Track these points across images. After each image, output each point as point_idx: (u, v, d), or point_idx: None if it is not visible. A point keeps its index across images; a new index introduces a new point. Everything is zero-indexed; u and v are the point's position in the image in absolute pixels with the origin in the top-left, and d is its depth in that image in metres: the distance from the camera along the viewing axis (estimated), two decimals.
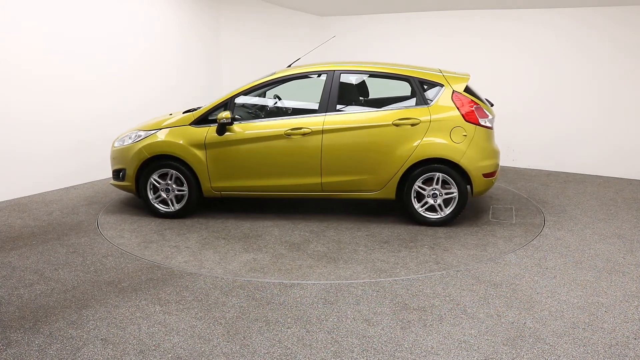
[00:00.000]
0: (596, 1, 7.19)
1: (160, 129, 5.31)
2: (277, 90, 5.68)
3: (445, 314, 3.31)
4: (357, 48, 9.31)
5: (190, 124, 5.22)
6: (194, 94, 8.09)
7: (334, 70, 5.17)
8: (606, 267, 4.11)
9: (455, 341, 2.99)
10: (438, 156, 4.87)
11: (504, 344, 2.95)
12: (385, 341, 2.99)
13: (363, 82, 5.54)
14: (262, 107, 5.69)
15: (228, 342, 2.97)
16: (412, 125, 4.90)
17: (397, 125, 4.91)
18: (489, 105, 5.32)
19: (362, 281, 3.80)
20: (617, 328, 3.14)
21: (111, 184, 5.58)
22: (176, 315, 3.28)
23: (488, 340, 3.00)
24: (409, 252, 4.38)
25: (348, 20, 9.53)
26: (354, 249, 4.48)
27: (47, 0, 5.96)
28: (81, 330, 3.08)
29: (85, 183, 6.71)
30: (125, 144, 5.41)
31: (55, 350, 2.87)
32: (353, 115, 5.05)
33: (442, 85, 5.00)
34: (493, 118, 5.14)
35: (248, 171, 5.14)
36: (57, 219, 5.23)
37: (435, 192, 4.97)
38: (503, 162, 8.13)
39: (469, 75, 5.22)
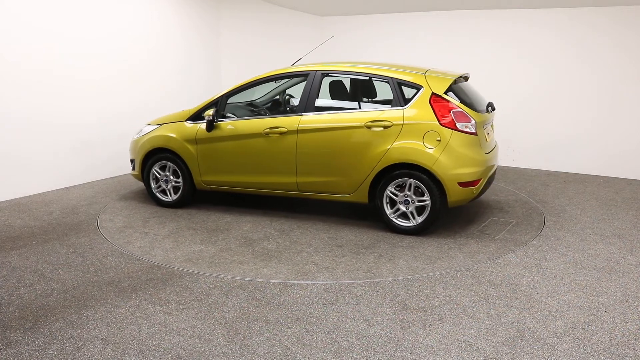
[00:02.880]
0: (596, 1, 7.19)
1: (163, 124, 5.68)
2: (265, 88, 5.80)
3: (445, 314, 3.31)
4: (357, 48, 9.30)
5: (186, 120, 5.53)
6: (195, 93, 8.07)
7: (316, 71, 5.14)
8: (606, 267, 4.11)
9: (455, 341, 2.99)
10: (408, 161, 4.63)
11: (504, 344, 2.95)
12: (385, 341, 2.99)
13: (345, 82, 5.43)
14: (254, 106, 5.88)
15: (228, 342, 2.97)
16: (385, 127, 4.71)
17: (368, 127, 4.76)
18: (487, 110, 5.07)
19: (362, 281, 3.80)
20: (617, 328, 3.14)
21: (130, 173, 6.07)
22: (176, 315, 3.28)
23: (488, 340, 3.00)
24: (351, 258, 4.26)
25: (348, 20, 9.52)
26: (302, 249, 4.46)
27: (47, 1, 5.96)
28: (81, 330, 3.08)
29: (85, 183, 6.71)
30: (138, 136, 5.85)
31: (55, 350, 2.87)
32: (327, 116, 5.01)
33: (421, 87, 4.73)
34: (482, 123, 4.80)
35: (232, 167, 5.35)
36: (57, 219, 5.23)
37: (408, 198, 4.72)
38: (503, 162, 8.13)
39: (455, 77, 4.92)
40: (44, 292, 3.60)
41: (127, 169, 7.28)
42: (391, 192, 4.78)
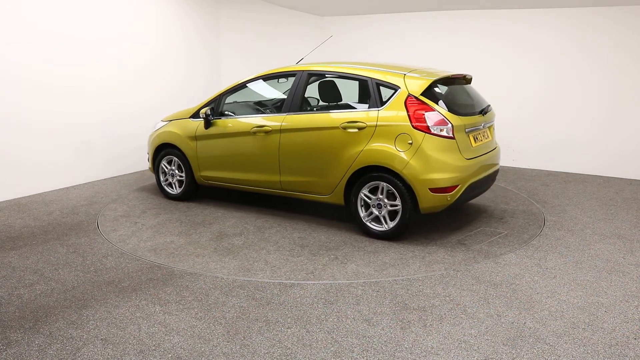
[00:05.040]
0: (596, 1, 7.19)
1: (172, 120, 5.96)
2: (257, 89, 5.86)
3: (445, 314, 3.31)
4: (357, 48, 9.31)
5: (189, 118, 5.77)
6: (195, 93, 8.07)
7: (302, 71, 5.16)
8: (606, 267, 4.11)
9: (455, 341, 2.99)
10: (379, 164, 4.50)
11: (504, 344, 2.95)
12: (385, 341, 2.99)
13: (330, 83, 5.37)
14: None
15: (228, 342, 2.97)
16: (359, 129, 4.61)
17: (344, 128, 4.68)
18: (480, 113, 4.87)
19: (362, 281, 3.80)
20: (617, 328, 3.14)
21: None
22: (176, 315, 3.28)
23: (488, 340, 3.00)
24: (304, 258, 4.24)
25: (348, 20, 9.53)
26: (264, 247, 4.50)
27: (47, 1, 5.96)
28: (81, 330, 3.08)
29: (85, 183, 6.71)
30: (153, 131, 6.17)
31: (55, 350, 2.87)
32: (308, 116, 5.01)
33: (398, 88, 4.57)
34: (462, 126, 4.54)
35: (224, 163, 5.52)
36: (57, 219, 5.23)
37: (380, 202, 4.60)
38: (503, 162, 8.13)
39: (436, 78, 4.68)
40: (44, 292, 3.60)
41: (128, 169, 7.32)
42: (365, 195, 4.69)
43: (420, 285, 3.73)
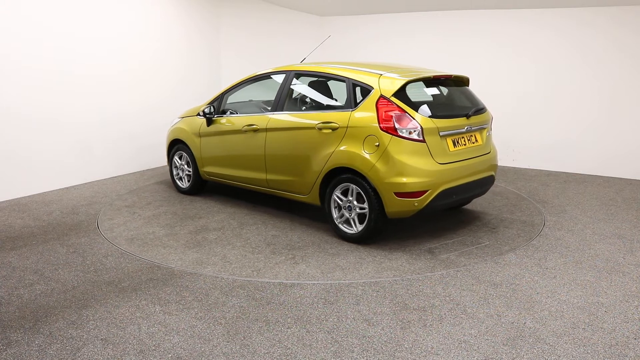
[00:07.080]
0: (596, 1, 7.19)
1: (184, 117, 6.20)
2: (255, 88, 5.92)
3: (445, 314, 3.31)
4: (356, 48, 9.31)
5: (196, 115, 5.97)
6: (196, 92, 8.07)
7: (289, 71, 5.22)
8: (606, 267, 4.11)
9: (455, 341, 2.99)
10: (348, 165, 4.45)
11: (504, 344, 2.95)
12: (385, 341, 2.99)
13: (320, 83, 5.26)
14: (246, 103, 6.15)
15: (228, 342, 2.97)
16: (333, 130, 4.57)
17: (319, 129, 4.67)
18: (466, 116, 4.64)
19: (362, 281, 3.80)
20: (617, 328, 3.15)
21: None
22: (176, 315, 3.28)
23: (488, 340, 3.00)
24: (263, 257, 4.25)
25: (348, 20, 9.53)
26: (231, 243, 4.57)
27: (48, 0, 5.96)
28: (81, 330, 3.08)
29: (85, 183, 6.71)
30: (170, 127, 6.42)
31: (55, 350, 2.87)
32: (290, 115, 5.04)
33: (372, 88, 4.46)
34: (435, 130, 4.34)
35: (221, 160, 5.70)
36: (57, 219, 5.23)
37: (350, 205, 4.55)
38: (503, 162, 8.13)
39: (412, 78, 4.50)
40: (44, 292, 3.60)
41: (128, 169, 7.32)
42: (337, 197, 4.64)
43: (420, 285, 3.73)
